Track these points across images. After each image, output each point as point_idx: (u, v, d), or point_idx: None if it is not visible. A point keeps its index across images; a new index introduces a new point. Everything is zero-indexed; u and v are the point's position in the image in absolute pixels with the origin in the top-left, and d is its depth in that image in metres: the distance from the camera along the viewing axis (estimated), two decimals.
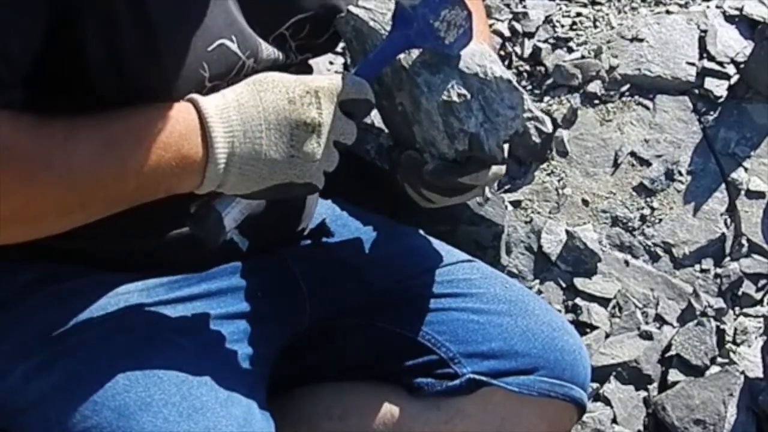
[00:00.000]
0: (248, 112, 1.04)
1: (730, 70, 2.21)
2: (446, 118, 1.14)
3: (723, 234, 2.05)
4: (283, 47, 1.19)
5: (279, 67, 1.16)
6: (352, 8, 1.18)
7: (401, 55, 1.14)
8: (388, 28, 1.15)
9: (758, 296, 2.00)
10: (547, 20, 2.30)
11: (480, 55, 1.15)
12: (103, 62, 1.03)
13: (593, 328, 1.94)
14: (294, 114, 1.05)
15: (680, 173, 2.12)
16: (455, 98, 1.13)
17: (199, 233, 1.11)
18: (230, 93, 1.06)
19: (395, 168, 1.23)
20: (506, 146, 1.20)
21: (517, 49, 2.27)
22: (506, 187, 2.12)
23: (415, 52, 1.15)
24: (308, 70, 1.31)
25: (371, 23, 1.16)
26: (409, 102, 1.16)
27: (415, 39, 1.13)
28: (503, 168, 1.21)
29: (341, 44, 1.29)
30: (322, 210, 1.41)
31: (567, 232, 2.04)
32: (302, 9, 1.18)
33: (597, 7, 2.35)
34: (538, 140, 1.15)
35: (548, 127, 1.16)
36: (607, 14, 2.33)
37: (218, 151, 1.03)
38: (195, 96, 1.05)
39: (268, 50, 1.16)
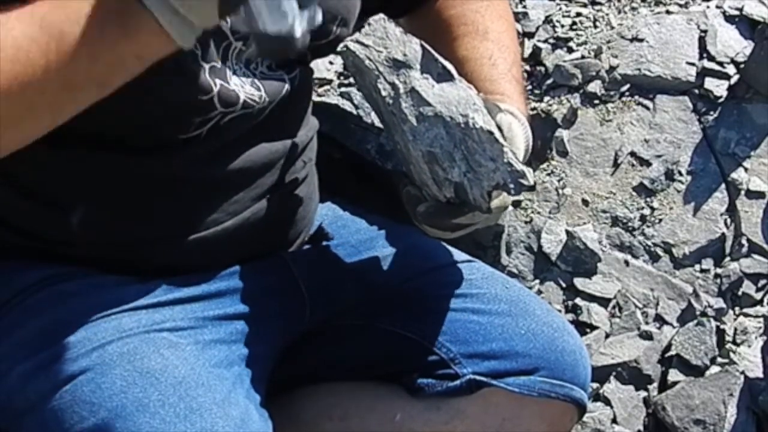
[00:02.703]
0: None
1: (730, 70, 2.21)
2: (431, 166, 1.14)
3: (723, 234, 2.05)
4: None
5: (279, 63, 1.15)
6: (350, 44, 1.17)
7: (389, 100, 1.14)
8: (383, 68, 1.14)
9: (758, 296, 2.00)
10: (547, 20, 2.30)
11: (465, 103, 1.14)
12: None
13: (593, 328, 1.94)
14: None
15: (680, 173, 2.12)
16: (437, 149, 1.13)
17: (271, 58, 1.02)
18: None
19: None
20: (502, 196, 1.18)
21: None
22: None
23: (405, 98, 1.13)
24: (308, 72, 1.31)
25: (367, 62, 1.16)
26: (402, 145, 1.16)
27: None
28: (506, 201, 1.19)
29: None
30: (323, 211, 1.41)
31: (567, 232, 2.04)
32: None
33: (597, 7, 2.35)
34: (515, 193, 1.15)
35: (529, 181, 1.15)
36: (607, 14, 2.33)
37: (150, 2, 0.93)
38: None
39: None
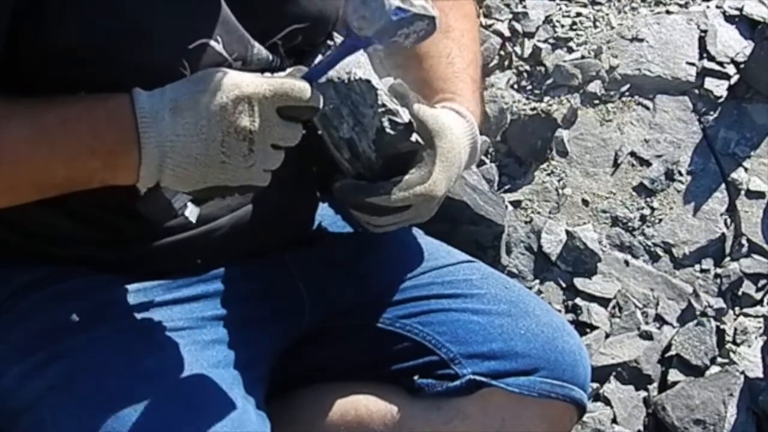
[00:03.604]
0: (182, 116, 1.04)
1: (730, 70, 2.21)
2: (327, 130, 1.20)
3: (723, 234, 2.06)
4: (275, 54, 1.19)
5: (270, 70, 1.16)
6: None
7: None
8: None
9: (758, 296, 2.00)
10: (547, 20, 2.30)
11: (351, 63, 1.19)
12: (73, 47, 1.04)
13: (593, 328, 1.94)
14: (224, 123, 1.04)
15: (680, 173, 2.12)
16: (327, 109, 1.18)
17: (145, 212, 1.11)
18: (170, 91, 1.05)
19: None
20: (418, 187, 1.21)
21: (517, 49, 2.27)
22: (506, 187, 2.12)
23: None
24: None
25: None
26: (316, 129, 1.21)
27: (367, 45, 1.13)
28: (432, 189, 1.21)
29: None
30: (322, 211, 1.41)
31: (567, 232, 2.04)
32: (297, 20, 1.18)
33: (597, 7, 2.35)
34: (392, 132, 1.18)
35: (403, 118, 1.19)
36: (607, 14, 2.33)
37: (150, 155, 1.04)
38: (135, 90, 1.05)
39: (261, 54, 1.16)
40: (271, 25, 1.17)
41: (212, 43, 1.10)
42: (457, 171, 1.26)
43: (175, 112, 1.04)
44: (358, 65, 1.19)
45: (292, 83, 1.07)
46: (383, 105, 1.19)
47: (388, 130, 1.19)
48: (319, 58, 1.16)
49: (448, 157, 1.22)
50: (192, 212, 1.11)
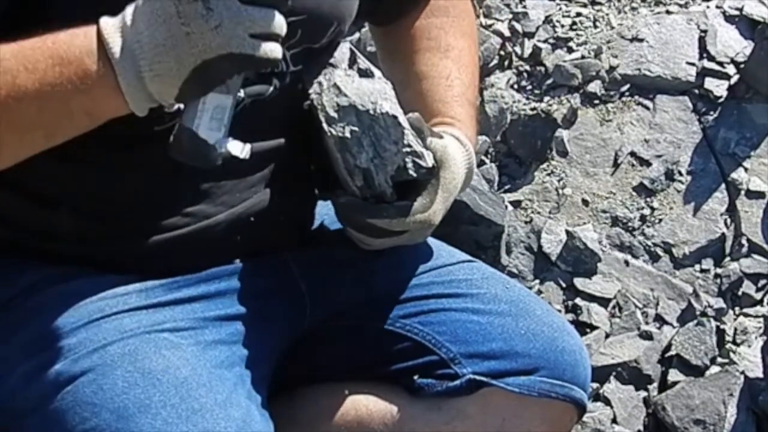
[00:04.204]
0: (139, 15, 1.02)
1: (730, 70, 2.21)
2: (343, 154, 1.20)
3: (723, 234, 2.06)
4: None
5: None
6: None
7: (314, 96, 1.21)
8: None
9: (758, 296, 2.00)
10: (547, 20, 2.30)
11: (377, 93, 1.20)
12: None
13: (593, 328, 1.94)
14: None
15: (680, 173, 2.12)
16: (347, 134, 1.19)
17: (184, 159, 1.07)
18: (128, 8, 1.04)
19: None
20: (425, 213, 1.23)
21: (517, 49, 2.27)
22: (506, 187, 2.12)
23: (327, 93, 1.21)
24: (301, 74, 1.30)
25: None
26: (324, 141, 1.22)
27: None
28: (431, 218, 1.23)
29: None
30: (323, 211, 1.41)
31: (567, 232, 2.04)
32: (293, 12, 1.18)
33: (597, 7, 2.35)
34: (414, 174, 1.21)
35: (427, 162, 1.21)
36: (607, 14, 2.34)
37: (122, 63, 1.01)
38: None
39: None
40: None
41: None
42: (453, 198, 1.29)
43: (133, 15, 1.02)
44: (384, 96, 1.21)
45: None
46: (409, 145, 1.20)
47: (411, 172, 1.21)
48: None
49: (448, 187, 1.26)
50: (235, 146, 1.07)
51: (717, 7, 2.31)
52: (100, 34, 1.02)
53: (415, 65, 1.40)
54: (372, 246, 1.28)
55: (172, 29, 1.01)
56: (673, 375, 1.87)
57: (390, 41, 1.46)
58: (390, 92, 1.22)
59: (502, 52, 2.26)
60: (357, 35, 2.30)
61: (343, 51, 1.27)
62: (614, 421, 1.84)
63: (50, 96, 1.02)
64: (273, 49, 1.03)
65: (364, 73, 1.24)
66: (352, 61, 1.25)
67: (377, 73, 1.24)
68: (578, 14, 2.33)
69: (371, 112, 1.19)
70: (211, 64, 1.02)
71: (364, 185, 1.21)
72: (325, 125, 1.20)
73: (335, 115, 1.20)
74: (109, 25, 1.03)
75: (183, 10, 1.01)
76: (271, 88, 1.20)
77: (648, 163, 2.13)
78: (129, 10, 1.03)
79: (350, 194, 1.23)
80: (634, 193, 2.11)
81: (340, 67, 1.24)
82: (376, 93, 1.20)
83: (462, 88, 1.39)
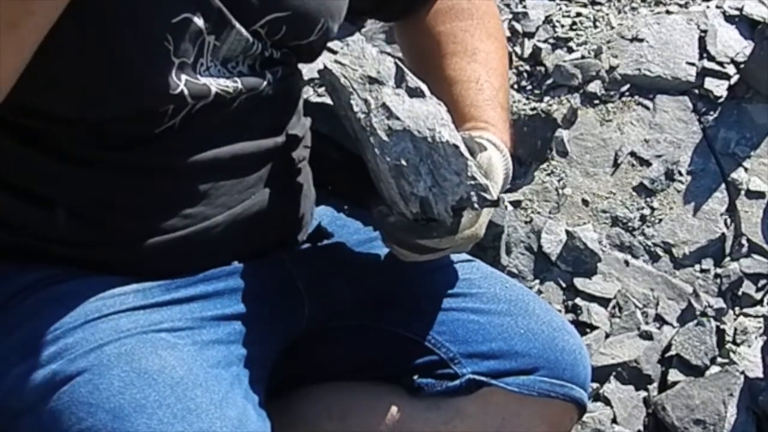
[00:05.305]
0: None
1: (730, 70, 2.21)
2: (398, 180, 1.15)
3: (723, 234, 2.06)
4: (258, 40, 1.18)
5: (255, 58, 1.16)
6: (327, 63, 1.18)
7: (361, 115, 1.15)
8: (357, 86, 1.15)
9: (758, 296, 2.00)
10: (547, 20, 2.30)
11: (432, 117, 1.15)
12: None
13: (593, 328, 1.94)
14: None
15: (680, 173, 2.12)
16: (404, 162, 1.14)
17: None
18: None
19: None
20: (474, 227, 1.19)
21: (517, 49, 2.27)
22: (506, 187, 2.12)
23: (375, 113, 1.15)
24: (294, 71, 1.30)
25: (342, 80, 1.16)
26: (373, 162, 1.17)
27: None
28: (477, 233, 1.20)
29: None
30: (321, 211, 1.40)
31: (567, 232, 2.04)
32: (277, 8, 1.18)
33: (597, 7, 2.35)
34: (478, 207, 1.17)
35: (492, 195, 1.17)
36: (607, 14, 2.33)
37: None
38: None
39: (240, 34, 1.15)
40: (250, 11, 1.16)
41: (194, 18, 1.10)
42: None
43: None
44: (441, 122, 1.15)
45: None
46: (473, 177, 1.15)
47: (476, 205, 1.16)
48: None
49: (498, 206, 1.24)
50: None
51: (717, 7, 2.31)
52: None
53: (444, 71, 1.36)
54: (412, 260, 1.24)
55: None
56: (673, 375, 1.87)
57: (415, 47, 1.43)
58: (446, 116, 1.17)
59: None
60: (357, 35, 2.29)
61: (388, 66, 1.19)
62: (614, 421, 1.84)
63: None
64: None
65: (414, 93, 1.17)
66: (400, 78, 1.18)
67: (427, 92, 1.18)
68: (578, 14, 2.33)
69: (429, 139, 1.14)
70: None
71: (419, 212, 1.16)
72: (377, 150, 1.14)
73: (388, 139, 1.14)
74: None
75: None
76: (265, 83, 1.20)
77: (648, 163, 2.13)
78: None
79: (398, 213, 1.18)
80: (634, 193, 2.11)
81: (387, 84, 1.17)
82: (432, 117, 1.15)
83: (492, 91, 1.35)
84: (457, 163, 1.15)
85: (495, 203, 1.18)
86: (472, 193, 1.15)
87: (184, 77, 1.12)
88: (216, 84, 1.15)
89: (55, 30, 1.02)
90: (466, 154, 1.15)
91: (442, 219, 1.16)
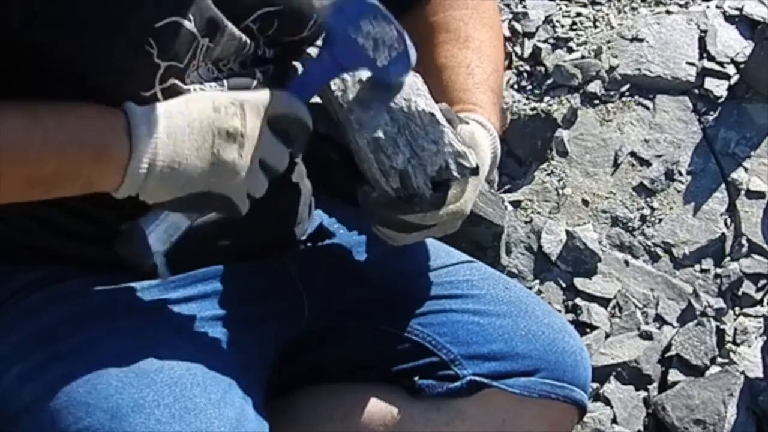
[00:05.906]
0: (173, 117, 1.05)
1: (730, 70, 2.21)
2: (377, 155, 1.14)
3: (723, 234, 2.06)
4: (251, 37, 1.18)
5: (247, 56, 1.16)
6: (307, 49, 1.19)
7: (338, 93, 1.15)
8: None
9: (758, 296, 2.00)
10: (547, 20, 2.30)
11: (408, 87, 1.15)
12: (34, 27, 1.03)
13: (593, 328, 1.94)
14: (217, 121, 1.06)
15: (680, 173, 2.12)
16: (381, 135, 1.13)
17: (123, 252, 1.11)
18: (160, 103, 1.07)
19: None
20: (458, 202, 1.19)
21: (517, 49, 2.27)
22: (506, 187, 2.12)
23: (353, 90, 1.15)
24: (285, 68, 1.29)
25: None
26: (352, 140, 1.16)
27: (341, 58, 1.12)
28: (463, 209, 1.20)
29: None
30: (320, 211, 1.40)
31: (567, 232, 2.04)
32: (268, 2, 1.17)
33: (597, 7, 2.35)
34: (458, 175, 1.16)
35: (471, 162, 1.16)
36: (607, 14, 2.33)
37: (141, 150, 1.03)
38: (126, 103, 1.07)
39: (233, 34, 1.15)
40: (241, 6, 1.16)
41: (183, 22, 1.09)
42: (482, 185, 1.26)
43: (166, 114, 1.05)
44: (417, 92, 1.15)
45: (281, 92, 1.10)
46: (450, 144, 1.15)
47: (455, 173, 1.15)
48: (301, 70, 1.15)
49: (478, 174, 1.22)
50: (162, 264, 1.12)
51: (717, 7, 2.31)
52: (128, 116, 1.05)
53: (435, 59, 1.36)
54: (401, 242, 1.23)
55: (202, 151, 1.05)
56: (673, 375, 1.87)
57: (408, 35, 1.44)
58: (422, 87, 1.16)
59: None
60: None
61: None
62: (614, 421, 1.84)
63: (69, 163, 1.04)
64: (245, 210, 1.11)
65: None
66: None
67: None
68: (578, 14, 2.33)
69: (405, 109, 1.14)
70: (210, 196, 1.08)
71: (400, 187, 1.15)
72: (355, 125, 1.14)
73: (364, 114, 1.14)
74: (138, 110, 1.05)
75: (219, 143, 1.06)
76: (255, 82, 1.20)
77: (648, 163, 2.13)
78: (160, 104, 1.06)
79: (380, 191, 1.17)
80: (634, 193, 2.11)
81: None
82: (407, 87, 1.15)
83: (483, 75, 1.35)
84: (434, 132, 1.14)
85: (475, 171, 1.17)
86: (450, 160, 1.15)
87: (171, 81, 1.11)
88: (200, 88, 1.15)
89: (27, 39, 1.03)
90: (443, 122, 1.15)
91: (422, 192, 1.15)
